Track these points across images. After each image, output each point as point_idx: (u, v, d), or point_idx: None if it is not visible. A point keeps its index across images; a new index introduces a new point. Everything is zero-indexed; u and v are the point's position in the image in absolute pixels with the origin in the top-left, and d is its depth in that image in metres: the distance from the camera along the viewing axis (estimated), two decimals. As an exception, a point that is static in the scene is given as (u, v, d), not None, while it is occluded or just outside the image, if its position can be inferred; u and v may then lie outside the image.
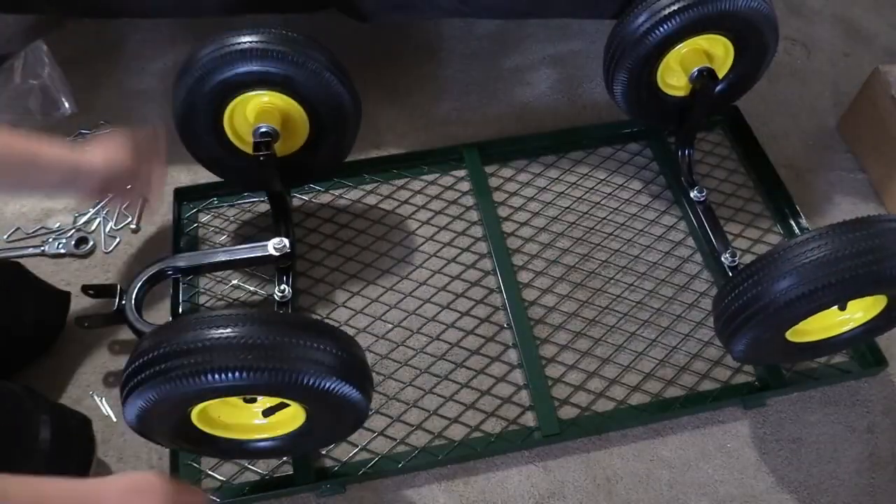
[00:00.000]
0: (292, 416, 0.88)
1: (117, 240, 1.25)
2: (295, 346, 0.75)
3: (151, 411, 0.77)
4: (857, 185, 1.38)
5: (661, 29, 1.09)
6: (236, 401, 0.86)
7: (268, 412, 0.87)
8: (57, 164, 0.94)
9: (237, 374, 0.72)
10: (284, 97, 1.08)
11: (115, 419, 1.08)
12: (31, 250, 1.22)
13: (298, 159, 1.18)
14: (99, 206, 1.28)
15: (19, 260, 1.15)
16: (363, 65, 1.51)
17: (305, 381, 0.75)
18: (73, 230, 1.26)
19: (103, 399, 1.09)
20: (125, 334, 1.11)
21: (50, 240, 1.23)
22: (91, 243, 1.23)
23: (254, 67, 1.03)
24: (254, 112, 1.09)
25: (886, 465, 1.07)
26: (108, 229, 1.26)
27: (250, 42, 1.02)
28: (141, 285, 1.04)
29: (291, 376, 0.74)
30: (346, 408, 0.82)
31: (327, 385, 0.77)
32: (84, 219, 1.28)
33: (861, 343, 1.10)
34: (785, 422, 1.10)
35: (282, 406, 0.85)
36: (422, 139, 1.41)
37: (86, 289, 1.07)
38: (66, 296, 1.15)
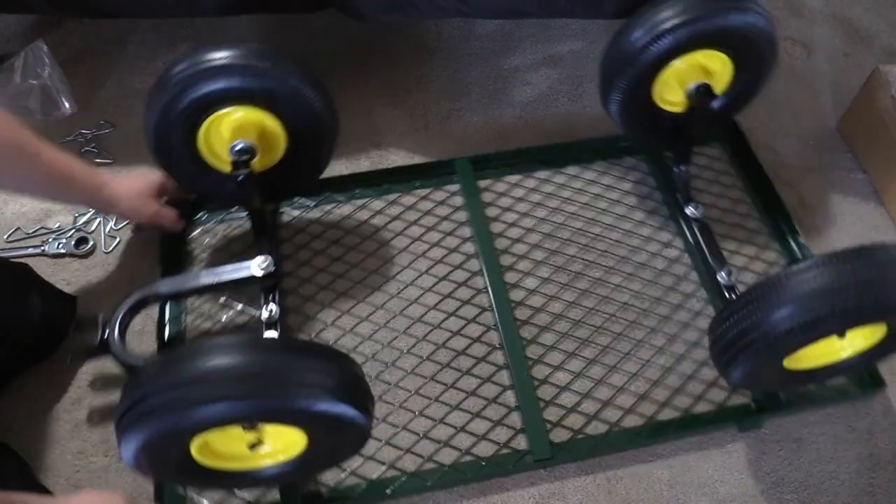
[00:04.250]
0: (293, 441, 0.86)
1: (117, 240, 1.24)
2: (289, 370, 0.75)
3: (148, 448, 0.75)
4: (857, 185, 1.37)
5: (658, 45, 1.07)
6: (237, 431, 0.84)
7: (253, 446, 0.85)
8: (85, 195, 1.06)
9: (230, 403, 0.72)
10: (262, 112, 1.06)
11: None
12: (31, 250, 1.22)
13: (274, 176, 1.15)
14: None
15: (25, 261, 1.14)
16: (363, 65, 1.49)
17: (301, 406, 0.74)
18: (73, 230, 1.25)
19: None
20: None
21: (50, 240, 1.23)
22: (91, 243, 1.23)
23: (234, 83, 1.00)
24: (230, 129, 1.07)
25: (886, 465, 1.07)
26: (108, 229, 1.26)
27: (229, 58, 1.00)
28: (123, 316, 1.02)
29: (286, 401, 0.74)
30: (345, 427, 0.81)
31: (323, 407, 0.76)
32: (84, 219, 1.27)
33: (858, 370, 1.09)
34: (785, 422, 1.09)
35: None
36: (422, 139, 1.39)
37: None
38: (72, 300, 1.14)
